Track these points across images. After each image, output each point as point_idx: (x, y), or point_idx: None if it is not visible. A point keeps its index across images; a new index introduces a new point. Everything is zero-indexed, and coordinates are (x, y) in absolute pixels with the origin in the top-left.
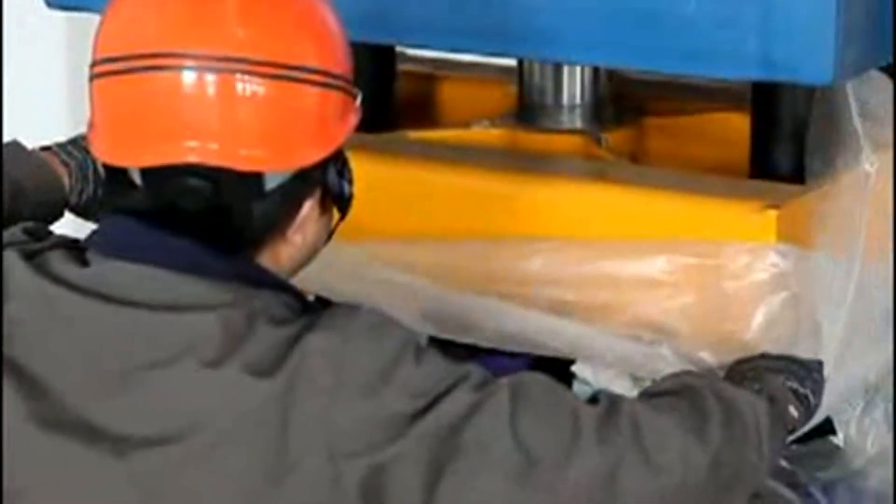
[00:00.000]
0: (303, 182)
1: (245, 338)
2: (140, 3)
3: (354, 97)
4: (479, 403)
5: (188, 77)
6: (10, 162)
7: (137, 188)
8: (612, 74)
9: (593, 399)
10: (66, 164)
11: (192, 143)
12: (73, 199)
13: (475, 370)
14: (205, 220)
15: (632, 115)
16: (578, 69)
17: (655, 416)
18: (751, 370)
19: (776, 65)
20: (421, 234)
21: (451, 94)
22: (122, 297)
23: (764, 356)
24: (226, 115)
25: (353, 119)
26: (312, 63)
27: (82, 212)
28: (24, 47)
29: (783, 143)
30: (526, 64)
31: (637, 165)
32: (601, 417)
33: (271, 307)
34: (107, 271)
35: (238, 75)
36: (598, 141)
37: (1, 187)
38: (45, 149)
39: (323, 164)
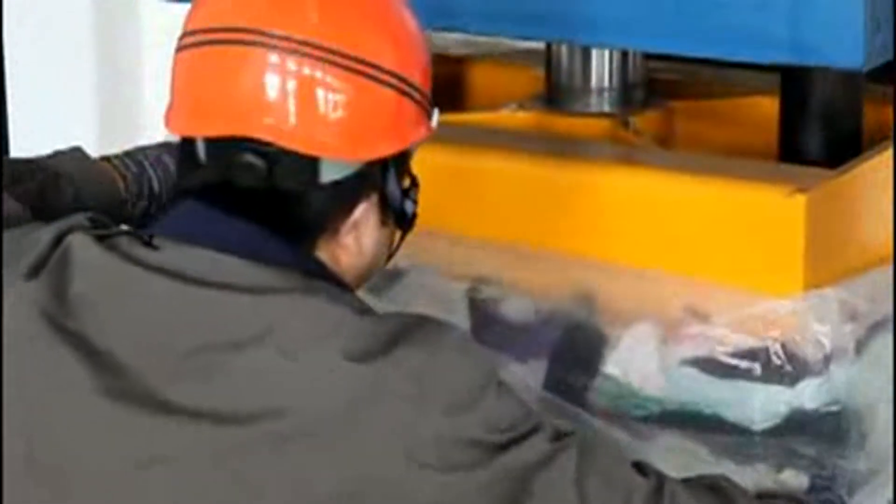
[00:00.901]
0: (360, 182)
1: (328, 325)
2: None
3: (430, 114)
4: (552, 455)
5: (272, 56)
6: (71, 166)
7: (201, 166)
8: (641, 58)
9: (638, 466)
10: (123, 177)
11: (269, 120)
12: (127, 211)
13: (546, 419)
14: (263, 203)
15: (660, 98)
16: (607, 52)
17: (692, 500)
18: None
19: (807, 49)
20: (446, 217)
21: (478, 78)
22: (198, 278)
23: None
24: (305, 99)
25: (425, 131)
26: (391, 66)
27: (138, 225)
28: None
29: (813, 126)
30: (554, 47)
31: (665, 149)
32: (650, 493)
33: (347, 298)
34: (178, 254)
35: (323, 63)
36: (626, 124)
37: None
38: (103, 159)
39: (383, 168)
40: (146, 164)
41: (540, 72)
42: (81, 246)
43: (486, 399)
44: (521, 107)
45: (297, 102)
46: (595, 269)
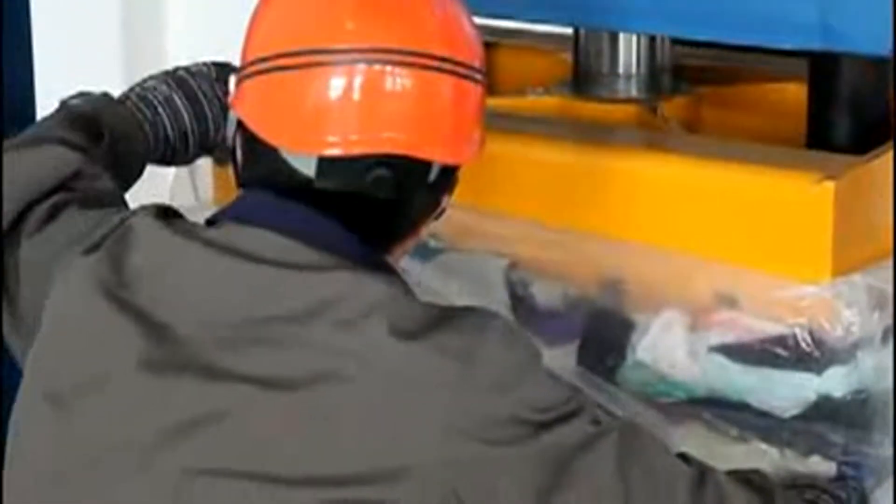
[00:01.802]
0: (447, 177)
1: (378, 301)
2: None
3: None
4: (593, 439)
5: (380, 71)
6: (114, 121)
7: (280, 168)
8: (668, 43)
9: (683, 457)
10: (141, 126)
11: (388, 134)
12: (149, 161)
13: (589, 401)
14: (360, 207)
15: (688, 84)
16: (634, 38)
17: (737, 490)
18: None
19: (836, 35)
20: (472, 202)
21: (506, 63)
22: (255, 255)
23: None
24: (418, 108)
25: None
26: (478, 63)
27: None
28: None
29: (841, 113)
30: (582, 32)
31: (692, 135)
32: (694, 481)
33: (398, 281)
34: (235, 232)
35: (427, 70)
36: (654, 110)
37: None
38: (119, 102)
39: (458, 168)
40: (158, 108)
41: (567, 57)
42: (142, 222)
43: (529, 380)
44: (549, 92)
45: (413, 114)
46: (624, 255)
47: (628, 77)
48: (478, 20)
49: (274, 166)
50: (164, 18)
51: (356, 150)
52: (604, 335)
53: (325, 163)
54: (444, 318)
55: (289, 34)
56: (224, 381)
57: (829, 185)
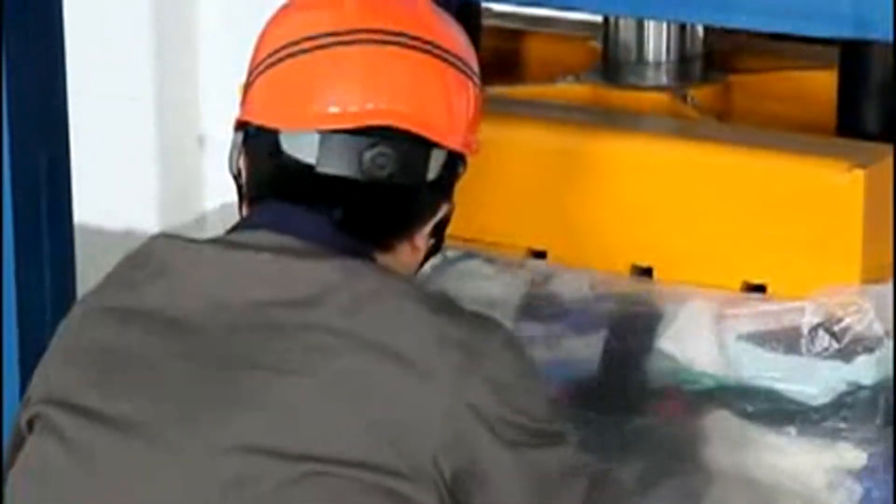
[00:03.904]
0: (445, 183)
1: (386, 287)
2: None
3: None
4: (572, 474)
5: (372, 50)
6: None
7: (281, 164)
8: (698, 31)
9: None
10: None
11: (378, 105)
12: None
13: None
14: (363, 200)
15: (717, 72)
16: (664, 26)
17: None
18: None
19: (868, 23)
20: (501, 189)
21: (535, 50)
22: (257, 246)
23: None
24: (411, 84)
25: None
26: (474, 65)
27: None
28: None
29: (871, 101)
30: (611, 20)
31: (722, 123)
32: None
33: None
34: (247, 235)
35: (431, 57)
36: (684, 98)
37: None
38: None
39: (455, 174)
40: None
41: (597, 44)
42: (154, 242)
43: (527, 387)
44: (578, 80)
45: (415, 90)
46: (652, 244)
47: (658, 65)
48: (507, 8)
49: (275, 163)
50: (195, 13)
51: (351, 123)
52: (631, 325)
53: (325, 144)
54: (449, 309)
55: (282, 33)
56: (237, 366)
57: (860, 174)
